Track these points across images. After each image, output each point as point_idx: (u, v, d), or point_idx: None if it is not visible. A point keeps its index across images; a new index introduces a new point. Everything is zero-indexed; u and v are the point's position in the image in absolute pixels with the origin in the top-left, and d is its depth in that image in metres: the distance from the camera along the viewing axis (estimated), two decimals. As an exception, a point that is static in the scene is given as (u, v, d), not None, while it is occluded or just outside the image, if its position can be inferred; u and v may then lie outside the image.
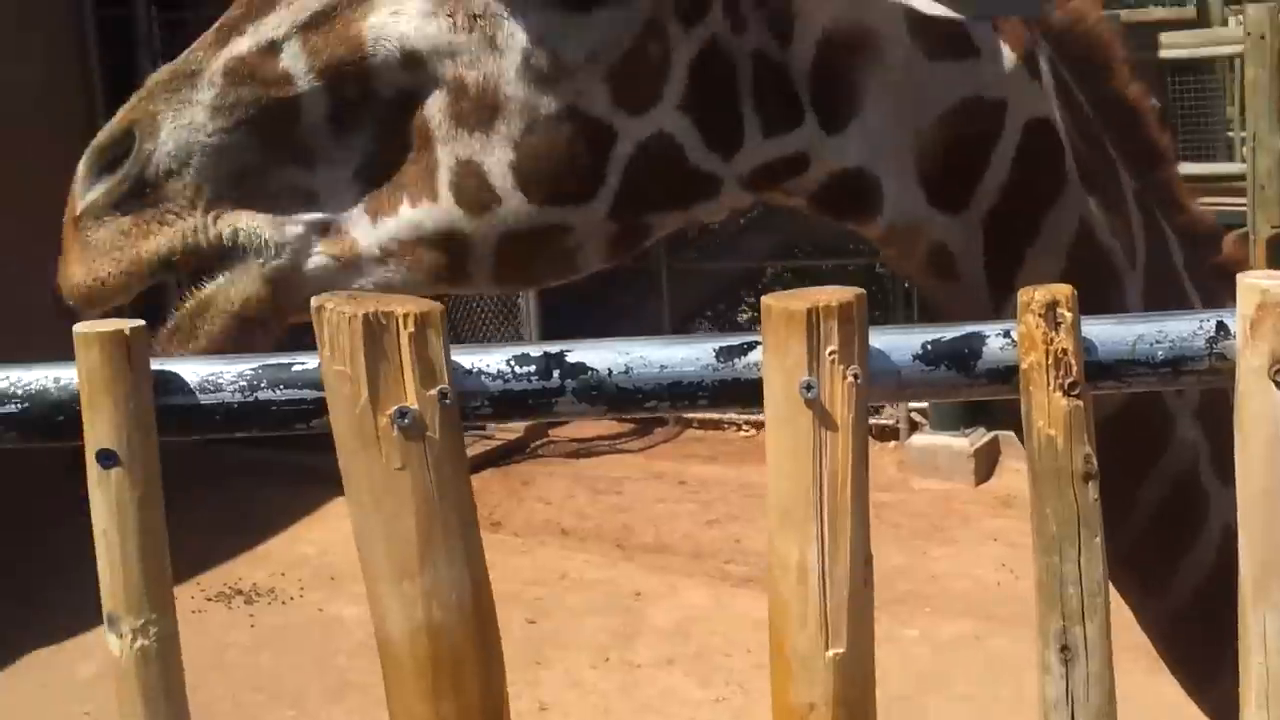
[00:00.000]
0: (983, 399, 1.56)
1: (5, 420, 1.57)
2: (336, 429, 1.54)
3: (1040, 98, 2.01)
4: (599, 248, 1.86)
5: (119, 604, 1.58)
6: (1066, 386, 1.44)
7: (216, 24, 1.79)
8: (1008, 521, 8.80)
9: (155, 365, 1.56)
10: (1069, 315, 1.44)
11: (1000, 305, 2.01)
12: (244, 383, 1.58)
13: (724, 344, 1.58)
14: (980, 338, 1.51)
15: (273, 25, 1.75)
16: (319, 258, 1.78)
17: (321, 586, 7.95)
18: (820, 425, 1.48)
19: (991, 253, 2.00)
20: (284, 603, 7.79)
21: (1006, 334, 1.49)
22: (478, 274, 1.82)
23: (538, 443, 10.04)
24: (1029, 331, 1.45)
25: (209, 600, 7.64)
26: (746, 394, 1.57)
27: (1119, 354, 1.48)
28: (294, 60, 1.74)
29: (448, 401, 1.53)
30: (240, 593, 7.85)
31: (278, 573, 8.16)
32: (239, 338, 1.79)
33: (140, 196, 1.74)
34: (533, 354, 1.60)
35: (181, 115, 1.73)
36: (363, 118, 1.76)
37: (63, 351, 1.48)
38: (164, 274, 1.80)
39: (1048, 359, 1.45)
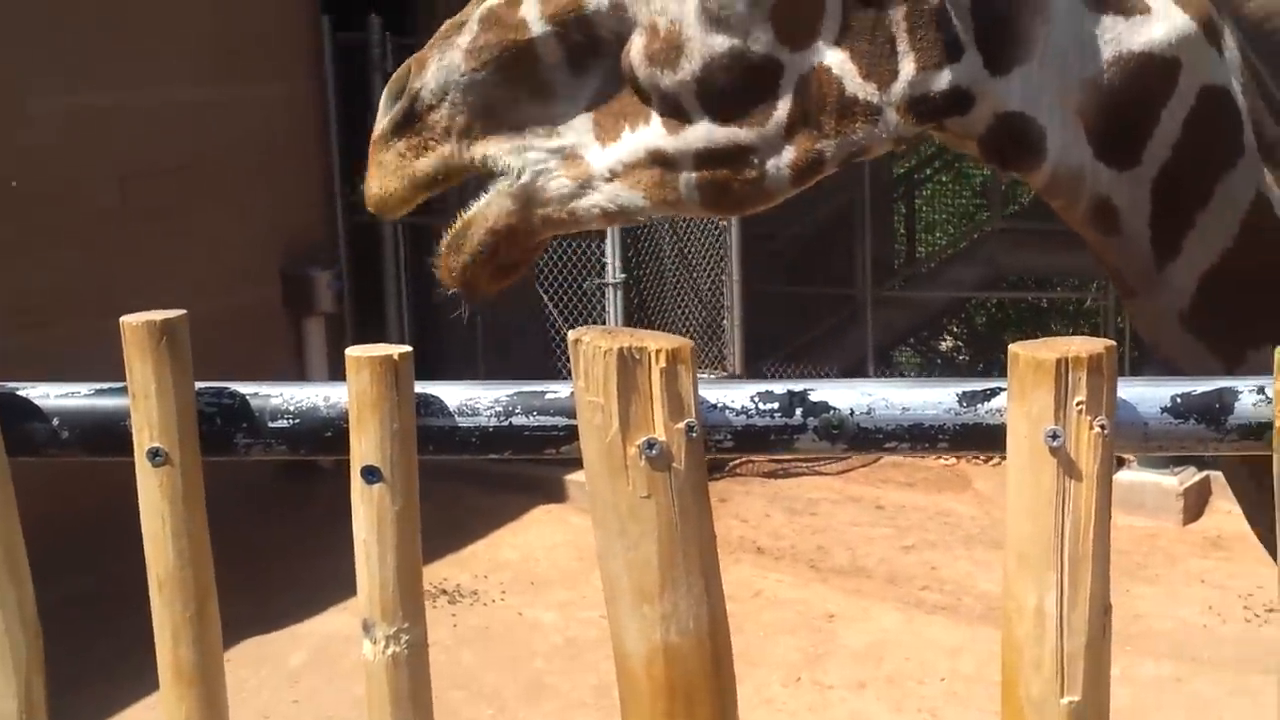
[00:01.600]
0: (1231, 455, 1.55)
1: (277, 434, 1.67)
2: (586, 456, 1.60)
3: (1219, 66, 2.03)
4: (780, 171, 2.01)
5: (375, 611, 1.67)
6: (1322, 447, 1.42)
7: None
8: (1215, 563, 8.52)
9: (418, 388, 1.64)
10: (1328, 375, 1.42)
11: (1164, 265, 2.05)
12: (500, 408, 1.65)
13: (967, 389, 1.60)
14: (1233, 393, 1.50)
15: None
16: (559, 179, 2.03)
17: (522, 591, 8.10)
18: (1064, 474, 1.49)
19: (1160, 213, 2.04)
20: (485, 605, 7.95)
21: (1261, 390, 1.48)
22: (686, 194, 2.03)
23: (735, 461, 10.07)
24: (1285, 389, 1.44)
25: (413, 599, 7.82)
26: (987, 439, 1.59)
27: (1378, 416, 1.45)
28: (530, 9, 2.01)
29: (694, 434, 1.58)
30: (444, 593, 8.03)
31: (480, 575, 8.33)
32: (494, 248, 2.08)
33: (411, 124, 2.06)
34: (776, 391, 1.64)
35: (444, 58, 2.03)
36: (590, 58, 2.02)
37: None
38: (431, 189, 2.10)
39: (1303, 418, 1.43)
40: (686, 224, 10.66)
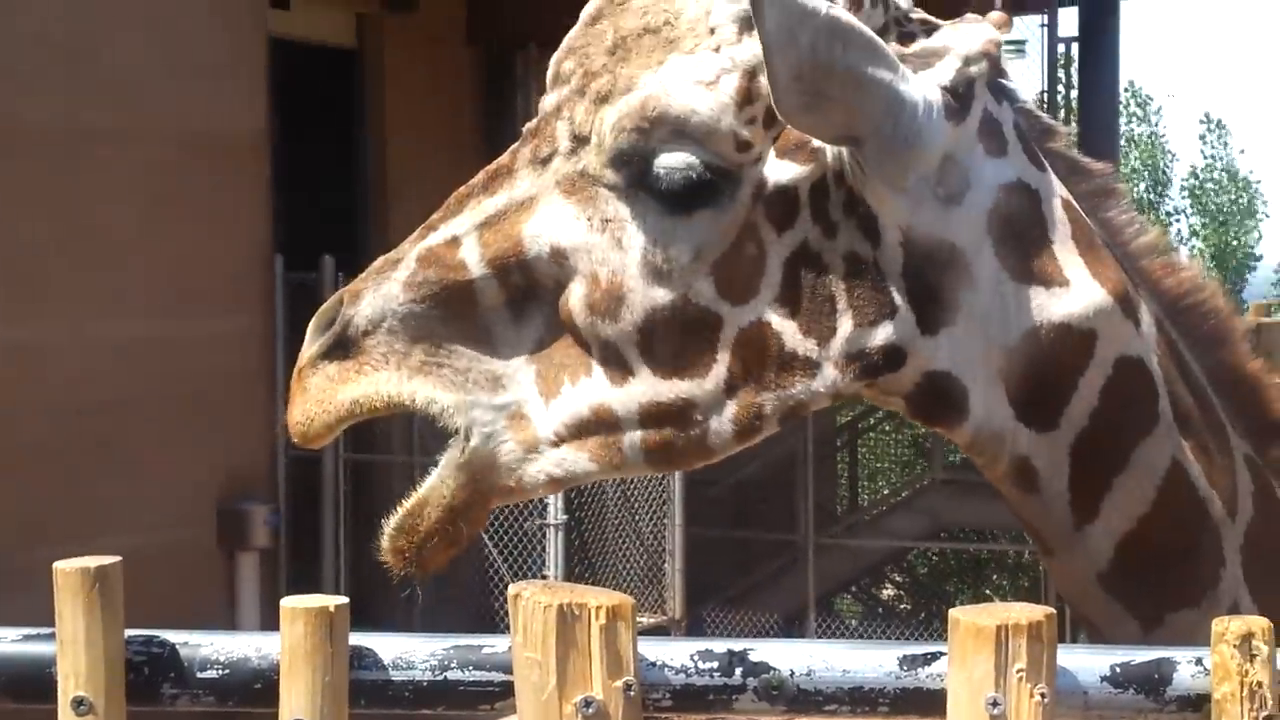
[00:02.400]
0: None
1: (206, 685, 1.63)
2: (522, 713, 1.57)
3: (1134, 338, 2.10)
4: (723, 426, 2.01)
5: None
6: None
7: (421, 225, 2.09)
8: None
9: (353, 640, 1.61)
10: (1265, 648, 1.43)
11: (1081, 526, 2.08)
12: (435, 661, 1.63)
13: (908, 652, 1.59)
14: (1171, 663, 1.50)
15: (457, 223, 2.04)
16: (507, 444, 2.00)
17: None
18: (1005, 742, 1.47)
19: (1078, 475, 2.07)
20: None
21: (1199, 661, 1.48)
22: (631, 454, 2.01)
23: (674, 708, 9.88)
24: (1223, 661, 1.44)
25: None
26: (928, 704, 1.57)
27: (1316, 689, 1.46)
28: (470, 251, 2.02)
29: (632, 693, 1.55)
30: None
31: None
32: (449, 524, 2.01)
33: (344, 349, 2.02)
34: (716, 650, 1.63)
35: (380, 288, 2.02)
36: (532, 305, 2.03)
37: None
38: (358, 416, 2.03)
39: (1242, 690, 1.43)
40: (630, 467, 10.67)
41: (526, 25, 11.01)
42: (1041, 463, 2.08)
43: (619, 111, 1.95)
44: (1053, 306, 2.05)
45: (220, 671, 1.63)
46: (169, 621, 1.79)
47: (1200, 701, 1.48)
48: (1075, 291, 2.06)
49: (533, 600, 1.54)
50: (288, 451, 10.15)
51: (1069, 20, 12.91)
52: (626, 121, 1.95)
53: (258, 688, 1.62)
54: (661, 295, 1.97)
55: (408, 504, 2.03)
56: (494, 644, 1.63)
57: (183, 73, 9.20)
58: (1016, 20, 11.67)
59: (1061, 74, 13.04)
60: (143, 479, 8.97)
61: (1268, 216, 33.63)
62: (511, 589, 1.55)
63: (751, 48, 1.94)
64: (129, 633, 1.63)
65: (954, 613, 1.50)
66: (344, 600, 1.59)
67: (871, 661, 1.59)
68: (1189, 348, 2.21)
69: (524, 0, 11.16)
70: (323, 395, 2.00)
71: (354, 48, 11.68)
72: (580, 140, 2.00)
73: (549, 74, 2.09)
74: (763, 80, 1.93)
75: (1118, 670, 1.51)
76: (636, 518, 10.96)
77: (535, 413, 1.99)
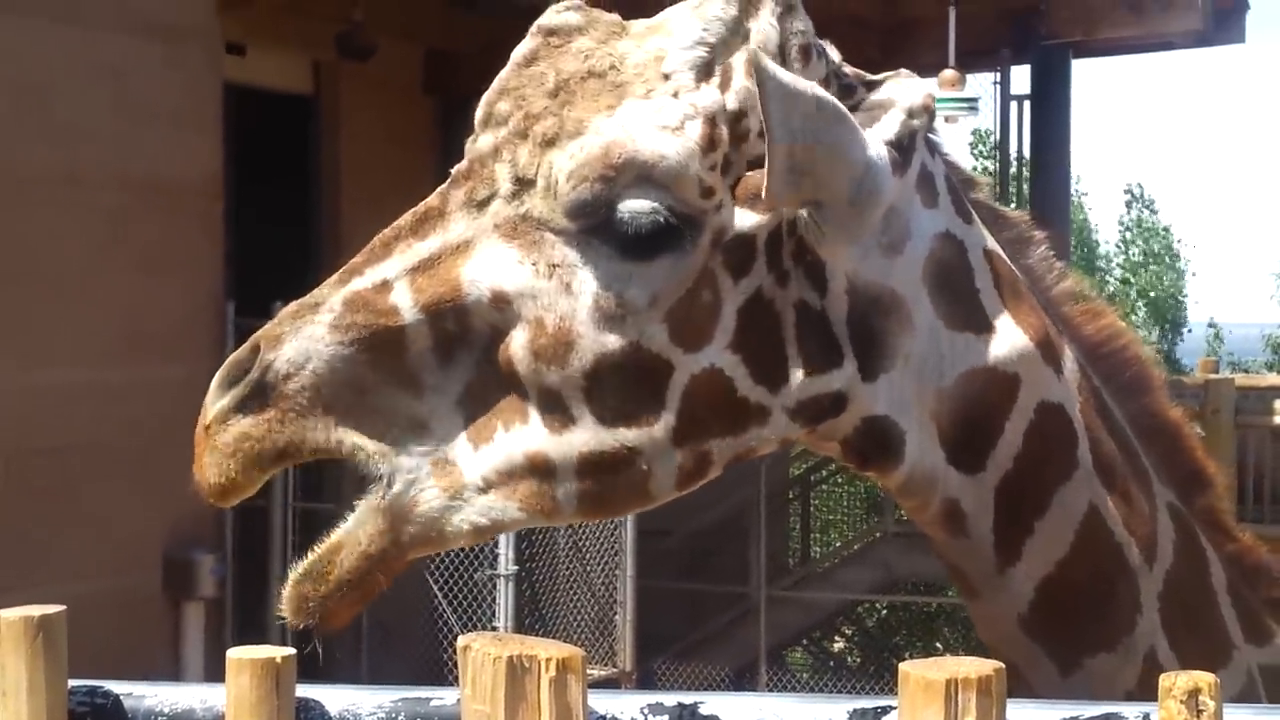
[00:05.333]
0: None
1: (149, 736, 1.61)
2: (470, 767, 1.55)
3: (1055, 384, 2.16)
4: (667, 474, 1.99)
5: None
6: (1208, 776, 1.42)
7: (340, 270, 2.01)
8: None
9: (299, 692, 1.60)
10: (1211, 703, 1.43)
11: (1004, 569, 2.13)
12: (383, 714, 1.61)
13: (858, 705, 1.59)
14: (1120, 719, 1.50)
15: (387, 267, 1.97)
16: (430, 491, 1.93)
17: None
18: (954, 798, 1.47)
19: (1001, 518, 2.13)
20: None
21: (1146, 717, 1.49)
22: (565, 502, 1.97)
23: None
24: (1170, 717, 1.45)
25: None
26: (878, 758, 1.57)
27: (1262, 745, 1.46)
28: (402, 296, 1.95)
29: (581, 747, 1.54)
30: None
31: None
32: (364, 574, 1.92)
33: (261, 398, 1.91)
34: (666, 703, 1.62)
35: (302, 331, 1.93)
36: (462, 350, 1.97)
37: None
38: (281, 464, 1.95)
39: (1189, 746, 1.44)
40: (581, 517, 10.65)
41: (483, 75, 11.03)
42: (969, 505, 2.13)
43: (576, 160, 1.92)
44: (980, 351, 2.11)
45: (164, 723, 1.61)
46: (113, 671, 1.77)
47: (1148, 757, 1.48)
48: (1000, 337, 2.12)
49: (482, 652, 1.53)
50: (236, 499, 10.03)
51: (1021, 78, 13.08)
52: (588, 170, 1.91)
53: (202, 740, 1.60)
54: (613, 341, 1.94)
55: (320, 549, 1.93)
56: (442, 696, 1.62)
57: (137, 118, 9.15)
58: (969, 78, 11.82)
59: (1014, 128, 13.18)
60: (88, 527, 8.87)
61: (1195, 275, 34.37)
62: (461, 640, 1.54)
63: (711, 95, 1.96)
64: (72, 683, 1.61)
65: (904, 666, 1.50)
66: (291, 651, 1.58)
67: (821, 715, 1.59)
68: (1111, 394, 2.27)
69: (480, 50, 11.22)
70: (239, 449, 1.90)
71: (311, 95, 11.70)
72: (524, 183, 1.95)
73: (479, 115, 2.05)
74: (723, 128, 1.96)
75: (1066, 725, 1.51)
76: (588, 569, 10.92)
77: (463, 458, 1.93)
